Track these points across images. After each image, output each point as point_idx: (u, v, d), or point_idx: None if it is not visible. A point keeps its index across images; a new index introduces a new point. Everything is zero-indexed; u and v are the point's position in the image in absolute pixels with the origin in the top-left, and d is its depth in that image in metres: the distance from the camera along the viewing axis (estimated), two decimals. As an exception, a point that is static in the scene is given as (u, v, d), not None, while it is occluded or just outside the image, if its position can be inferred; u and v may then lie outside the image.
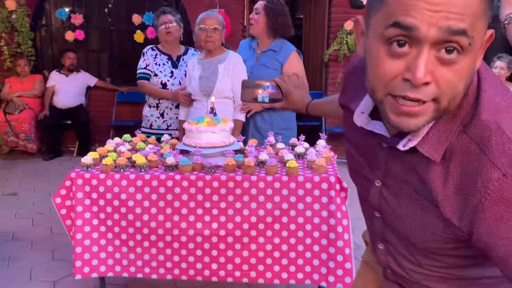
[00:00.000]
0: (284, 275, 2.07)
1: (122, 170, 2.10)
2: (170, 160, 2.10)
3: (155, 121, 3.14)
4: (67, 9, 5.98)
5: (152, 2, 5.97)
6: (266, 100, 1.31)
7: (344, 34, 5.42)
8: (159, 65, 3.09)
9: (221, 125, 2.23)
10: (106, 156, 2.20)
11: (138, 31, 5.88)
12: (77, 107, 5.70)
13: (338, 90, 4.83)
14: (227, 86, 2.74)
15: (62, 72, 5.72)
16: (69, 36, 5.97)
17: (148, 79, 3.09)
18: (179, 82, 3.08)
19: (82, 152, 5.63)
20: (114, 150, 2.35)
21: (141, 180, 2.05)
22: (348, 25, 5.39)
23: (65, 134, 5.97)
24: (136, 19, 5.87)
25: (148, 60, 3.10)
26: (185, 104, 2.93)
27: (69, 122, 5.70)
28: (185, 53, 3.20)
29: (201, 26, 2.70)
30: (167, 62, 3.11)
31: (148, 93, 3.13)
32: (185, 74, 3.03)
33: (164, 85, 3.07)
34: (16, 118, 5.39)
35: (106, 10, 6.06)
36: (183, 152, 2.28)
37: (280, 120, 2.90)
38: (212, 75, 2.74)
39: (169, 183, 2.04)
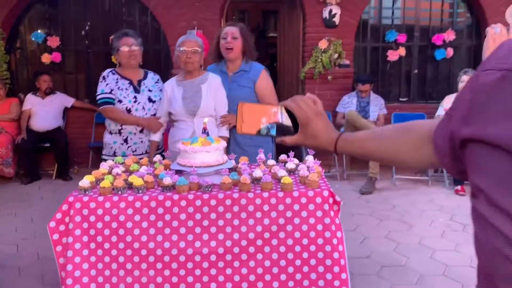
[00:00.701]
0: None
1: (119, 192, 2.13)
2: (167, 180, 2.16)
3: (119, 147, 3.00)
4: (43, 32, 5.96)
5: (129, 24, 6.02)
6: (273, 132, 0.96)
7: (318, 52, 5.61)
8: (122, 89, 2.96)
9: (215, 145, 2.31)
10: (103, 179, 2.23)
11: (116, 53, 5.89)
12: (55, 129, 5.64)
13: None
14: (211, 105, 2.84)
15: (38, 94, 5.66)
16: (46, 58, 5.94)
17: (113, 105, 2.95)
18: (143, 107, 2.97)
19: (61, 175, 5.59)
20: (109, 173, 2.38)
21: (139, 201, 2.09)
22: (322, 44, 5.59)
23: (43, 157, 5.88)
24: (114, 40, 5.89)
25: (111, 85, 2.96)
26: (155, 132, 2.94)
27: (47, 145, 5.63)
28: (145, 77, 3.08)
29: (181, 48, 2.79)
30: (129, 86, 2.99)
31: (119, 119, 2.95)
32: (148, 99, 3.00)
33: (128, 111, 2.95)
34: (-8, 143, 5.29)
35: (83, 32, 6.07)
36: (177, 172, 2.34)
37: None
38: (196, 95, 2.82)
39: (167, 203, 2.09)
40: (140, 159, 2.67)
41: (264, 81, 3.00)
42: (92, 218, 2.09)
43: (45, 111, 5.61)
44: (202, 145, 2.29)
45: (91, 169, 5.49)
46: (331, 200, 2.11)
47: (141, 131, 3.00)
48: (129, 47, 2.96)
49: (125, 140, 3.00)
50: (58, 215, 2.15)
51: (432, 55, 6.01)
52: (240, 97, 2.93)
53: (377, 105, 5.49)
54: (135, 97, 2.98)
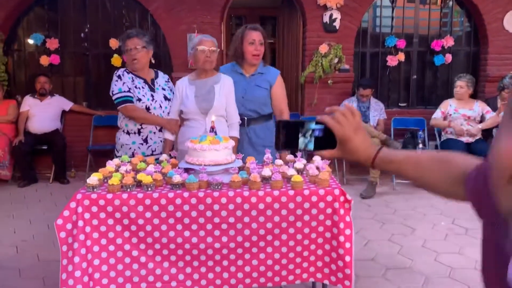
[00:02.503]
0: (291, 277, 2.18)
1: (128, 190, 2.11)
2: (177, 178, 2.14)
3: (139, 148, 2.93)
4: (41, 34, 5.93)
5: (129, 27, 6.00)
6: (311, 147, 0.97)
7: (319, 57, 5.62)
8: (139, 88, 2.94)
9: (224, 143, 2.30)
10: (110, 177, 2.20)
11: (116, 55, 5.88)
12: (53, 132, 5.59)
13: (314, 111, 4.98)
14: (223, 105, 2.84)
15: (36, 96, 5.62)
16: (44, 60, 5.90)
17: (133, 103, 2.90)
18: (159, 105, 2.96)
19: (59, 178, 5.53)
20: (116, 171, 2.35)
21: (149, 198, 2.07)
22: (323, 48, 5.61)
23: (40, 159, 5.82)
24: (114, 43, 5.88)
25: (129, 83, 2.92)
26: (173, 133, 2.93)
27: (45, 147, 5.57)
28: (156, 76, 3.09)
29: (201, 47, 2.78)
30: (145, 85, 2.98)
31: (140, 118, 2.91)
32: (164, 97, 3.01)
33: (147, 109, 2.92)
34: (-11, 145, 5.23)
35: (82, 34, 6.04)
36: (186, 170, 2.32)
37: (269, 134, 3.06)
38: (209, 95, 2.81)
39: (178, 201, 2.07)
40: (157, 159, 2.64)
41: (279, 85, 3.10)
42: (102, 215, 2.07)
43: (43, 113, 5.56)
44: (211, 143, 2.27)
45: (89, 173, 5.47)
46: (342, 198, 2.10)
47: (160, 130, 2.97)
48: (131, 50, 2.93)
49: (145, 140, 2.96)
50: (66, 213, 2.12)
51: (431, 60, 6.05)
52: (258, 97, 3.00)
53: (377, 110, 5.51)
54: (152, 95, 2.96)
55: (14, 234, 3.74)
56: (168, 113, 2.98)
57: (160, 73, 3.15)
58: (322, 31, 5.71)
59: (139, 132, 2.95)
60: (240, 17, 9.78)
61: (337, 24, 5.64)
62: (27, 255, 3.29)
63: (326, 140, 0.97)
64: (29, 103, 5.59)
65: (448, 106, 5.17)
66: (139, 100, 2.92)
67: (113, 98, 2.93)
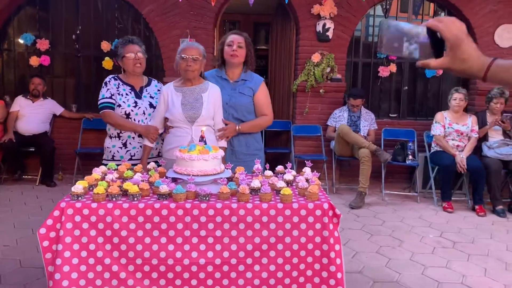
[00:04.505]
0: None
1: (114, 199, 2.06)
2: (164, 188, 2.10)
3: (117, 151, 2.99)
4: (32, 34, 5.86)
5: (121, 30, 5.97)
6: (416, 55, 0.94)
7: (311, 66, 5.63)
8: (122, 95, 2.98)
9: (213, 153, 2.26)
10: (96, 185, 2.16)
11: (107, 58, 5.83)
12: (41, 134, 5.53)
13: (305, 119, 5.04)
14: (211, 115, 2.80)
15: (28, 97, 5.55)
16: (34, 61, 5.83)
17: (113, 109, 2.96)
18: (143, 112, 2.99)
19: (45, 181, 5.45)
20: (102, 179, 2.31)
21: (135, 209, 2.02)
22: (315, 57, 5.62)
23: (27, 161, 5.74)
24: (105, 45, 5.83)
25: (112, 90, 2.98)
26: (152, 141, 2.90)
27: (32, 149, 5.49)
28: (148, 84, 3.12)
29: (182, 55, 2.75)
30: (130, 92, 3.01)
31: (116, 124, 2.96)
32: (150, 104, 3.01)
33: (127, 115, 2.96)
34: (-24, 145, 5.14)
35: (73, 36, 5.98)
36: (173, 180, 2.28)
37: (254, 142, 3.06)
38: (196, 103, 2.77)
39: (164, 212, 2.03)
40: (134, 165, 2.61)
41: (263, 92, 3.07)
42: (85, 225, 2.01)
43: (33, 115, 5.51)
44: (199, 153, 2.24)
45: (77, 176, 5.41)
46: (331, 213, 2.07)
47: (139, 136, 2.98)
48: (134, 54, 2.98)
49: (124, 144, 3.00)
50: (49, 221, 2.05)
51: (422, 72, 6.09)
52: (241, 104, 2.98)
53: (367, 120, 5.52)
54: (135, 102, 3.00)
55: (-4, 238, 3.66)
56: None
57: (154, 82, 3.18)
58: (315, 40, 5.73)
59: (118, 136, 3.01)
60: (234, 23, 9.77)
61: (330, 33, 5.65)
62: (10, 260, 3.21)
63: (434, 48, 0.90)
64: (20, 103, 5.52)
65: (444, 119, 5.16)
66: (119, 106, 2.97)
67: (98, 103, 3.02)
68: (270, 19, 7.19)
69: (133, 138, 3.00)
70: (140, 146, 2.99)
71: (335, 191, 5.56)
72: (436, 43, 0.90)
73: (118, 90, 2.99)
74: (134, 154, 3.01)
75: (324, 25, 5.62)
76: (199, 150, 2.26)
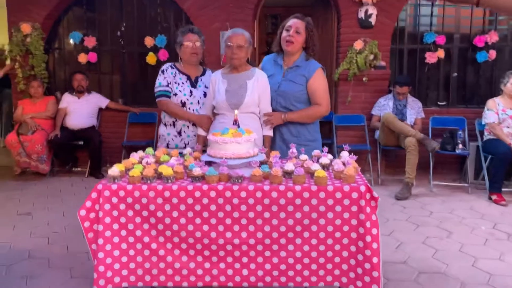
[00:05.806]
0: (314, 279, 2.08)
1: (149, 182, 2.09)
2: (197, 171, 2.10)
3: (172, 140, 3.07)
4: (80, 33, 6.10)
5: (164, 26, 6.08)
6: None
7: (354, 53, 5.46)
8: (178, 84, 3.03)
9: (246, 136, 2.24)
10: (132, 168, 2.19)
11: (151, 53, 5.96)
12: (89, 128, 5.74)
13: (348, 109, 4.84)
14: (255, 102, 2.76)
15: (74, 94, 5.78)
16: (82, 58, 6.07)
17: (169, 97, 3.02)
18: (198, 101, 3.04)
19: (94, 173, 5.66)
20: (139, 163, 2.34)
21: (169, 191, 2.04)
22: (358, 44, 5.45)
23: (76, 155, 6.00)
24: (149, 41, 5.96)
25: (169, 78, 3.03)
26: (205, 130, 2.91)
27: (81, 143, 5.73)
28: (203, 74, 3.15)
29: (228, 43, 2.74)
30: (186, 81, 3.06)
31: (171, 113, 3.02)
32: (204, 94, 3.05)
33: (183, 104, 3.01)
34: (29, 139, 5.42)
35: (118, 33, 6.17)
36: (208, 163, 2.28)
37: (306, 132, 2.91)
38: (240, 90, 2.75)
39: (197, 194, 2.03)
40: (192, 150, 2.64)
41: (317, 79, 2.84)
42: (122, 206, 2.06)
43: (80, 110, 5.72)
44: (233, 136, 2.22)
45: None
46: (368, 196, 1.99)
47: (194, 125, 3.02)
48: (192, 43, 3.01)
49: (179, 133, 3.07)
50: (88, 203, 2.13)
51: (473, 57, 5.76)
52: (290, 93, 2.84)
53: (414, 108, 5.29)
54: (191, 91, 3.04)
55: (47, 226, 3.83)
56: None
57: (209, 72, 3.20)
58: (357, 27, 5.56)
59: (173, 124, 3.07)
60: (275, 16, 9.72)
61: (373, 19, 5.47)
62: (57, 246, 3.36)
63: None
64: (67, 100, 5.76)
65: (497, 105, 4.86)
66: (175, 95, 3.02)
67: (154, 91, 3.07)
68: (311, 10, 7.07)
69: (188, 127, 3.05)
70: (194, 135, 3.03)
71: (381, 183, 5.38)
72: None
73: (175, 79, 3.04)
74: (188, 142, 3.06)
75: (366, 11, 5.44)
76: (232, 133, 2.24)
